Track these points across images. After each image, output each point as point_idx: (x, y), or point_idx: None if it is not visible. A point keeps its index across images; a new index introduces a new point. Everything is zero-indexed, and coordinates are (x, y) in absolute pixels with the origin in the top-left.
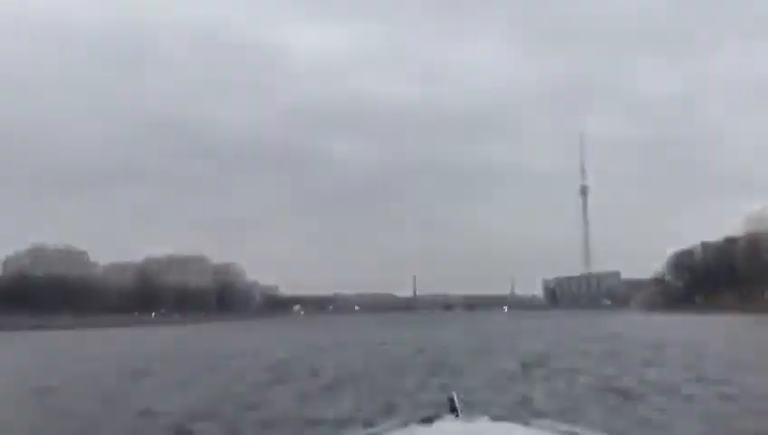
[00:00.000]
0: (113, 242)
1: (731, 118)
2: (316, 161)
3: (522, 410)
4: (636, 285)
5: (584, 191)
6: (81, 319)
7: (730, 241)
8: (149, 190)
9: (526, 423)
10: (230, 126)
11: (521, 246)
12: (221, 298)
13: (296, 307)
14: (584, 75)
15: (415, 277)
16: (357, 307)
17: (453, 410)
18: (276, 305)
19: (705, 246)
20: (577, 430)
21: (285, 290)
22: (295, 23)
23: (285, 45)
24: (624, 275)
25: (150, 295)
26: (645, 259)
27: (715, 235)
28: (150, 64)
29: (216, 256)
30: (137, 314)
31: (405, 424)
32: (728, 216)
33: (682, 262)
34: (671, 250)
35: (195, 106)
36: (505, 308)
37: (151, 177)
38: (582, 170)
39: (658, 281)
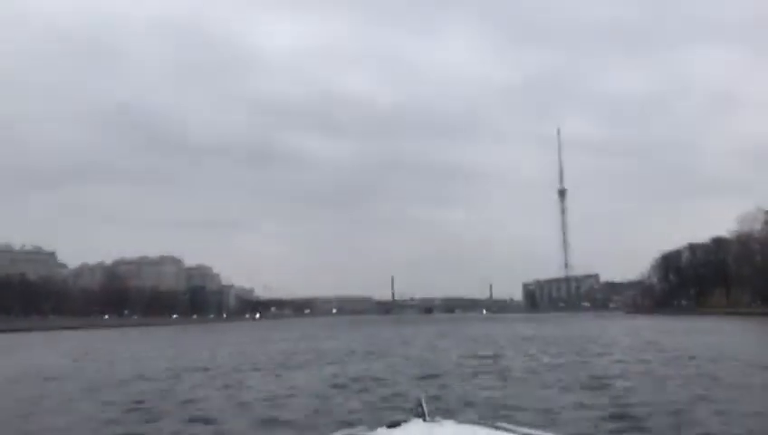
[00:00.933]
0: (84, 243)
1: (704, 118)
2: (290, 161)
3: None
4: (615, 287)
5: (562, 194)
6: (42, 322)
7: (718, 242)
8: (121, 189)
9: (493, 427)
10: (199, 122)
11: (499, 249)
12: (194, 301)
13: (272, 309)
14: (557, 74)
15: (393, 280)
16: (334, 310)
17: (420, 413)
18: (252, 308)
19: (692, 247)
20: (543, 434)
21: (262, 293)
22: (264, 17)
23: (254, 40)
24: (603, 278)
25: (118, 298)
26: (624, 262)
27: (694, 237)
28: (118, 59)
29: (192, 258)
30: (104, 316)
31: (372, 428)
32: (705, 217)
33: (669, 263)
34: (656, 252)
35: (164, 102)
36: (484, 311)
37: (122, 175)
38: (560, 173)
39: (644, 283)
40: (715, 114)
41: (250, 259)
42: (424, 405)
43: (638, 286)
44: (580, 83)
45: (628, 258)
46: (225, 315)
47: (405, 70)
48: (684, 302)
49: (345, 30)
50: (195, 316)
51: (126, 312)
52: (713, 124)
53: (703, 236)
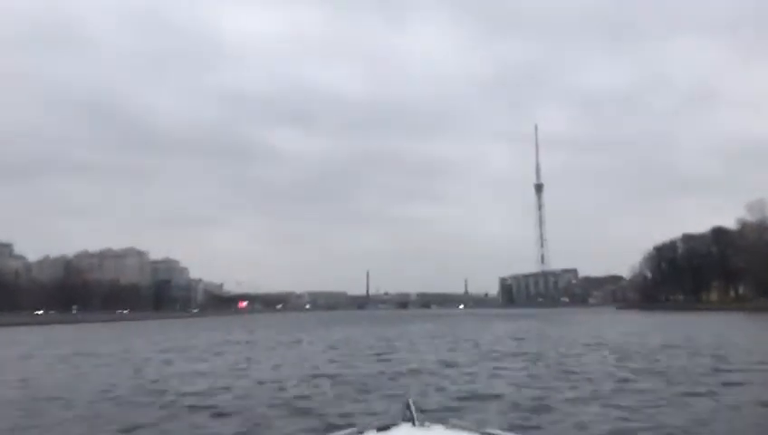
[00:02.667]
0: (48, 236)
1: (681, 114)
2: (261, 154)
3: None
4: (593, 282)
5: (539, 189)
6: None
7: (717, 232)
8: (88, 183)
9: (483, 432)
10: (167, 114)
11: (474, 244)
12: (158, 295)
13: (244, 304)
14: (533, 68)
15: (368, 274)
16: (308, 306)
17: (409, 417)
18: (221, 303)
19: (688, 238)
20: None
21: (233, 288)
22: (233, 6)
23: (222, 29)
24: (581, 274)
25: (75, 292)
26: (600, 257)
27: (671, 232)
28: (78, 47)
29: (160, 252)
30: (52, 311)
31: (360, 432)
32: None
33: (662, 256)
34: (635, 247)
35: (127, 92)
36: (461, 306)
37: (89, 168)
38: (537, 168)
39: (633, 278)
40: (693, 110)
41: (222, 255)
42: (412, 408)
43: (617, 281)
44: (555, 77)
45: (605, 254)
46: (196, 310)
47: (377, 62)
48: (680, 296)
49: (314, 20)
50: (163, 311)
51: (75, 307)
52: (690, 120)
53: (678, 231)
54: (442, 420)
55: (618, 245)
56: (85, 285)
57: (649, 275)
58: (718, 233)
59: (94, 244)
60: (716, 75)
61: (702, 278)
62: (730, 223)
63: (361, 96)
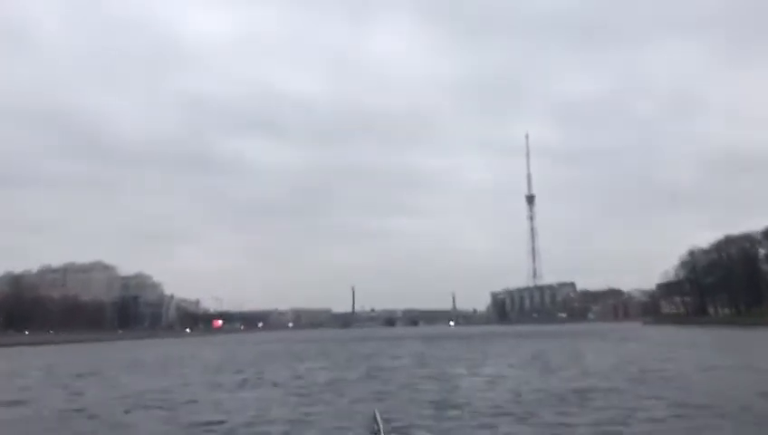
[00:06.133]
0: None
1: (661, 120)
2: (231, 166)
3: None
4: (592, 296)
5: (530, 200)
6: None
7: None
8: (42, 194)
9: None
10: (127, 122)
11: (460, 258)
12: (124, 313)
13: (220, 323)
14: (508, 74)
15: (353, 291)
16: (290, 324)
17: (375, 430)
18: (195, 321)
19: (729, 241)
20: None
21: (212, 305)
22: (190, 6)
23: (179, 31)
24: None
25: (27, 310)
26: (594, 271)
27: (672, 246)
28: (28, 51)
29: (132, 267)
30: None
31: None
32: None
33: (696, 264)
34: (644, 258)
35: (83, 99)
36: (451, 323)
37: (42, 179)
38: (528, 179)
39: (653, 291)
40: (675, 118)
41: (198, 271)
42: (379, 421)
43: (618, 295)
44: (533, 84)
45: (598, 267)
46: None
47: (346, 67)
48: (725, 310)
49: (278, 21)
50: (127, 330)
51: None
52: (672, 127)
53: (671, 244)
54: (408, 432)
55: (611, 258)
56: (37, 303)
57: (686, 285)
58: None
59: (56, 259)
60: (698, 80)
61: (738, 289)
62: (721, 234)
63: (331, 103)
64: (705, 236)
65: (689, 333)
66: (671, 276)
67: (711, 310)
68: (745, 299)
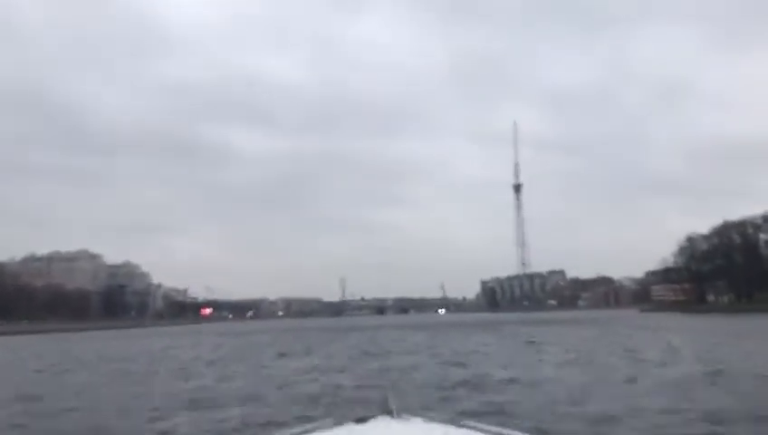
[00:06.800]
0: None
1: (650, 107)
2: (218, 155)
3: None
4: (582, 284)
5: (518, 189)
6: None
7: None
8: (25, 183)
9: (461, 425)
10: (111, 109)
11: (450, 247)
12: (111, 302)
13: (208, 312)
14: (497, 60)
15: (343, 280)
16: (281, 313)
17: (388, 410)
18: (182, 311)
19: (726, 227)
20: (509, 431)
21: (202, 294)
22: None
23: (164, 17)
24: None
25: (8, 300)
26: (582, 259)
27: (658, 234)
28: (7, 35)
29: (119, 256)
30: None
31: (339, 423)
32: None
33: (694, 249)
34: (633, 245)
35: (64, 86)
36: (442, 311)
37: (25, 168)
38: (516, 167)
39: (646, 278)
40: (664, 105)
41: (187, 260)
42: (391, 401)
43: (608, 283)
44: (521, 70)
45: (586, 255)
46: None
47: (332, 53)
48: (723, 297)
49: (263, 8)
50: (113, 320)
51: None
52: (663, 116)
53: (661, 231)
54: (421, 413)
55: (599, 246)
56: (19, 292)
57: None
58: None
59: (41, 248)
60: (687, 67)
61: (738, 274)
62: (709, 223)
63: (318, 91)
64: (694, 224)
65: (702, 322)
66: (669, 263)
67: (710, 297)
68: (746, 285)
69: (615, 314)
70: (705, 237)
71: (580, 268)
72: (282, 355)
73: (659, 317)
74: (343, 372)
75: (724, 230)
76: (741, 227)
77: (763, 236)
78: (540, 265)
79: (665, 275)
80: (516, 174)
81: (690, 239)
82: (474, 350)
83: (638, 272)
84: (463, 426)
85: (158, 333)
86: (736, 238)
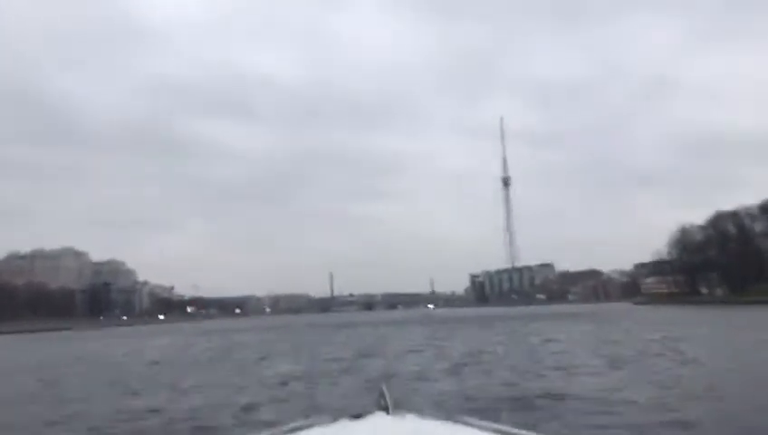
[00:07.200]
0: None
1: (635, 101)
2: (202, 150)
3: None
4: (571, 278)
5: (506, 183)
6: None
7: None
8: (6, 179)
9: (456, 421)
10: (94, 103)
11: (437, 241)
12: (95, 300)
13: (191, 310)
14: (482, 54)
15: (331, 275)
16: (268, 310)
17: (383, 406)
18: (170, 308)
19: (719, 218)
20: (504, 427)
21: (189, 292)
22: None
23: (147, 11)
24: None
25: None
26: (568, 252)
27: (645, 226)
28: None
29: (104, 254)
30: None
31: (335, 419)
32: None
33: (686, 240)
34: (619, 238)
35: (48, 81)
36: (431, 306)
37: (9, 163)
38: (504, 161)
39: (648, 266)
40: (650, 98)
41: (174, 258)
42: (387, 397)
43: (598, 276)
44: (507, 64)
45: (574, 249)
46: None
47: (316, 46)
48: (717, 290)
49: (247, 3)
50: (96, 319)
51: None
52: (648, 109)
53: (647, 224)
54: (416, 409)
55: (587, 239)
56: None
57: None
58: None
59: (24, 246)
60: (672, 60)
61: (751, 264)
62: (696, 215)
63: (303, 84)
64: (680, 215)
65: (705, 314)
66: (663, 255)
67: (704, 289)
68: (741, 277)
69: (609, 307)
70: (702, 228)
71: (569, 261)
72: (262, 359)
73: (656, 310)
74: (336, 385)
75: (718, 221)
76: (735, 217)
77: (759, 227)
78: (529, 258)
79: (655, 268)
80: (505, 167)
81: (683, 230)
82: (484, 349)
83: (627, 265)
84: (458, 422)
85: (136, 333)
86: (731, 229)
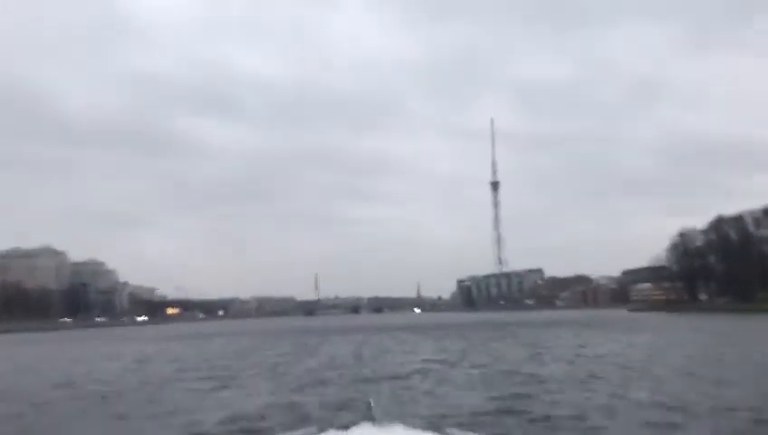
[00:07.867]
0: None
1: (624, 105)
2: (187, 148)
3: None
4: (560, 283)
5: (495, 187)
6: None
7: None
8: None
9: (442, 432)
10: (76, 100)
11: (425, 245)
12: (73, 300)
13: (173, 311)
14: (471, 57)
15: (317, 278)
16: (252, 312)
17: (370, 417)
18: (151, 310)
19: (720, 222)
20: None
21: (172, 293)
22: None
23: (132, 7)
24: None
25: None
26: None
27: (633, 232)
28: None
29: (84, 253)
30: None
31: (322, 430)
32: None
33: (687, 246)
34: (608, 243)
35: (29, 76)
36: (417, 310)
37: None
38: (493, 165)
39: (642, 271)
40: (637, 103)
41: (156, 258)
42: (373, 408)
43: (587, 282)
44: (496, 67)
45: (561, 254)
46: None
47: (304, 45)
48: (720, 298)
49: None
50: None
51: None
52: (635, 114)
53: (634, 231)
54: (402, 420)
55: (575, 244)
56: None
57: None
58: None
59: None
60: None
61: (737, 273)
62: (683, 221)
63: (290, 85)
64: (668, 223)
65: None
66: (661, 260)
67: (703, 296)
68: (743, 284)
69: (603, 314)
70: (703, 232)
71: (558, 267)
72: (221, 387)
73: (657, 318)
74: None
75: (720, 225)
76: (739, 221)
77: (763, 232)
78: (517, 263)
79: (648, 274)
80: (494, 171)
81: (682, 235)
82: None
83: (615, 271)
84: (445, 433)
85: (106, 335)
86: (733, 234)
